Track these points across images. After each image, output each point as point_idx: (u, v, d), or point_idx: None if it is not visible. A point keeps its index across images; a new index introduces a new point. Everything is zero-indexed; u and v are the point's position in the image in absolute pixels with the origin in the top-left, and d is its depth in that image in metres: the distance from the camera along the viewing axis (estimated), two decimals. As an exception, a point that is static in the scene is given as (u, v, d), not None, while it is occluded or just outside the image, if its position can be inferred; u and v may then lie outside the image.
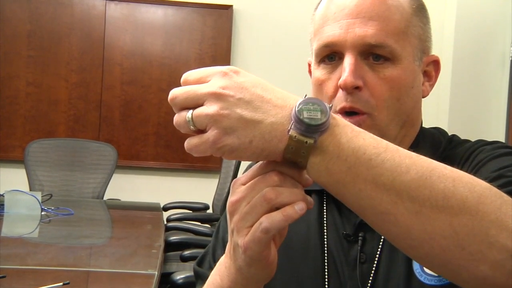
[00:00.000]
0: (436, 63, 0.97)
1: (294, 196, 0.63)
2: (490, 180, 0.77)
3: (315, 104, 0.62)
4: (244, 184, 0.66)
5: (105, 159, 3.96)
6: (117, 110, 4.50)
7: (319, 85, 0.92)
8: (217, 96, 0.61)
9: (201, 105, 0.62)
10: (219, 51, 4.52)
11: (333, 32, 0.89)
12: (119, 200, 4.06)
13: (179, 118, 0.64)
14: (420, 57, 0.92)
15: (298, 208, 0.63)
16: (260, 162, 0.66)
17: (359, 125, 0.87)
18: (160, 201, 3.87)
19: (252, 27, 4.59)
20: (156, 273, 1.79)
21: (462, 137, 0.98)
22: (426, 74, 0.96)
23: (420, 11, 0.94)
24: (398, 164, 0.60)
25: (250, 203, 0.64)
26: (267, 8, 4.58)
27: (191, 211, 3.90)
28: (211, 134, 0.61)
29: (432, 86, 0.97)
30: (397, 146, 0.63)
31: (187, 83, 0.65)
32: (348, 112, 0.88)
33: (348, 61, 0.87)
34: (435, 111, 4.26)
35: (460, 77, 4.25)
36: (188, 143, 0.63)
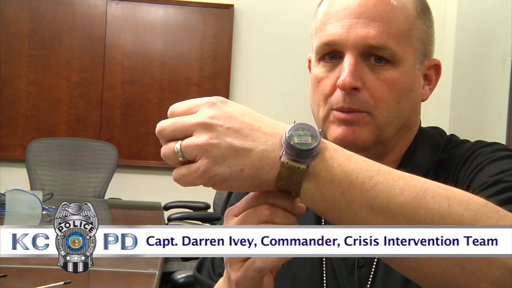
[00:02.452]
0: (437, 67, 0.96)
1: (287, 220, 0.63)
2: (489, 185, 0.76)
3: (305, 129, 0.61)
4: (236, 216, 0.66)
5: (106, 159, 3.96)
6: (118, 109, 4.50)
7: (317, 82, 0.91)
8: (206, 126, 0.61)
9: (190, 136, 0.62)
10: (220, 51, 4.52)
11: (334, 31, 0.88)
12: (120, 199, 4.06)
13: (166, 149, 0.63)
14: (421, 60, 0.91)
15: None
16: (252, 193, 0.66)
17: (358, 121, 0.87)
18: (161, 200, 3.87)
19: (253, 27, 4.58)
20: (157, 272, 1.79)
21: (463, 137, 0.98)
22: (426, 77, 0.95)
23: (425, 14, 0.93)
24: (391, 186, 0.60)
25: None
26: (268, 7, 4.58)
27: (192, 211, 3.90)
28: (201, 163, 0.60)
29: (431, 90, 0.96)
30: (389, 168, 0.63)
31: (175, 115, 0.65)
32: (344, 110, 0.88)
33: (348, 61, 0.86)
34: (436, 112, 4.26)
35: (461, 77, 4.24)
36: (177, 173, 0.62)
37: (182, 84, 4.50)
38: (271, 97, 4.56)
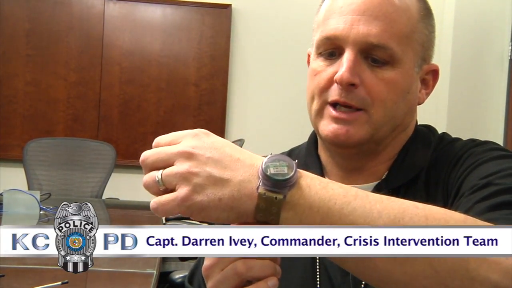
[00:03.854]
0: (435, 73, 0.96)
1: (264, 270, 0.64)
2: (478, 188, 0.76)
3: (281, 160, 0.62)
4: None
5: (103, 158, 3.95)
6: (115, 109, 4.50)
7: (314, 75, 0.91)
8: (187, 155, 0.62)
9: (172, 165, 0.63)
10: (218, 50, 4.51)
11: (337, 26, 0.88)
12: (118, 199, 4.05)
13: (148, 178, 0.65)
14: (420, 64, 0.92)
15: (270, 284, 0.63)
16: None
17: (353, 121, 0.87)
18: (159, 200, 3.86)
19: (251, 26, 4.58)
20: (155, 272, 1.79)
21: (461, 137, 0.98)
22: (423, 82, 0.95)
23: (428, 19, 0.93)
24: (369, 211, 0.61)
25: (222, 272, 0.65)
26: (266, 7, 4.58)
27: (189, 210, 3.89)
28: (180, 192, 0.61)
29: (428, 94, 0.96)
30: (366, 192, 0.63)
31: (159, 146, 0.66)
32: (339, 105, 0.88)
33: (348, 56, 0.86)
34: (434, 111, 4.26)
35: (459, 77, 4.25)
36: (155, 201, 0.63)
37: (180, 84, 4.50)
38: (269, 97, 4.56)
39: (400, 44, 0.87)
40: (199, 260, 1.02)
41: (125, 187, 4.35)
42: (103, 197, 3.89)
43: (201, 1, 4.52)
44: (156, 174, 0.63)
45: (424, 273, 0.59)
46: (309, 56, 0.97)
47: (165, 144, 0.65)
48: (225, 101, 4.53)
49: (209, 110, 4.51)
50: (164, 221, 3.32)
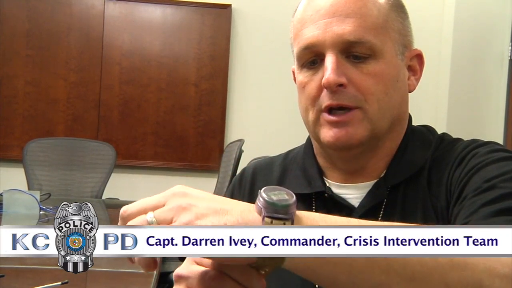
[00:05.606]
0: (419, 57, 0.97)
1: None
2: (483, 190, 0.76)
3: (276, 190, 0.61)
4: (196, 262, 0.66)
5: (103, 159, 3.95)
6: (115, 109, 4.50)
7: (302, 88, 0.92)
8: (181, 195, 0.61)
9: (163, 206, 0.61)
10: (218, 51, 4.51)
11: (311, 34, 0.89)
12: (118, 199, 4.05)
13: (136, 223, 0.61)
14: (402, 51, 0.92)
15: None
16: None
17: (350, 121, 0.87)
18: (159, 201, 3.86)
19: (251, 27, 4.58)
20: (155, 272, 1.79)
21: (461, 137, 0.97)
22: (410, 68, 0.95)
23: (397, 7, 0.94)
24: None
25: None
26: (266, 7, 4.58)
27: (189, 210, 3.89)
28: (182, 218, 0.59)
29: (418, 80, 0.97)
30: (368, 222, 0.62)
31: (126, 214, 0.63)
32: (334, 109, 0.88)
33: (330, 59, 0.87)
34: (434, 111, 4.26)
35: (459, 77, 4.25)
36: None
37: (180, 84, 4.50)
38: (269, 97, 4.56)
39: (377, 36, 0.88)
40: None
41: (125, 187, 4.35)
42: (103, 197, 3.89)
43: (201, 1, 4.52)
44: (146, 216, 0.61)
45: None
46: (294, 73, 0.99)
47: (136, 213, 0.62)
48: (225, 101, 4.53)
49: (209, 110, 4.51)
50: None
